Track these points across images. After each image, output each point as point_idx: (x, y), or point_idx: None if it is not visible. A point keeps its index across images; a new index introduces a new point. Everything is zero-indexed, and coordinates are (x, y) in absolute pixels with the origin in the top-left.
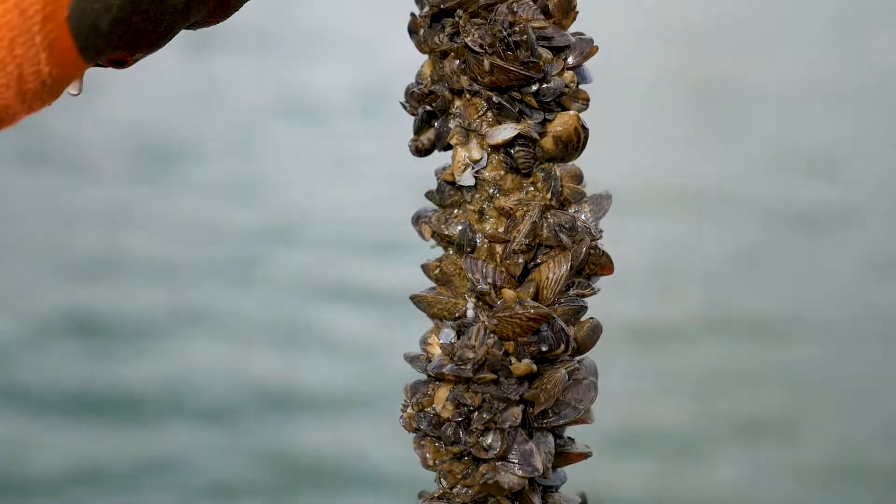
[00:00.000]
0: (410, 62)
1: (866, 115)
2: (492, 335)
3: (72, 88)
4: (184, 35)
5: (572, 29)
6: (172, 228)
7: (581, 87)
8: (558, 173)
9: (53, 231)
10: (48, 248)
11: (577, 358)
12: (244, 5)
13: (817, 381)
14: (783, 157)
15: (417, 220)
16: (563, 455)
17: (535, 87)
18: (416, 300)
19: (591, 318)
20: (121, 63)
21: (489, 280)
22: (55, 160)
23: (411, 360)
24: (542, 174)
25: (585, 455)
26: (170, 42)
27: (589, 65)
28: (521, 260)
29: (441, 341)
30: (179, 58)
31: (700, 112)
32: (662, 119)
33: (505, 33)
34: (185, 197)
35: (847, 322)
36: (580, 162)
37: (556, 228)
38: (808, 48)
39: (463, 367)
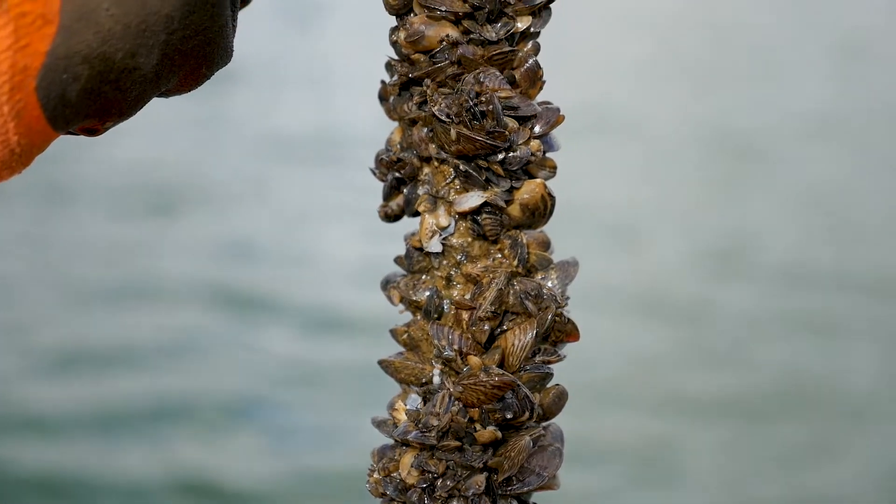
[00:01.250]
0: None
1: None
2: (457, 402)
3: None
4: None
5: (539, 98)
6: (170, 285)
7: (548, 154)
8: (525, 240)
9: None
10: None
11: (544, 424)
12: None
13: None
14: (802, 209)
15: (386, 284)
16: None
17: (501, 156)
18: (384, 365)
19: (557, 384)
20: (92, 131)
21: (455, 346)
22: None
23: (378, 424)
24: (509, 241)
25: None
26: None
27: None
28: (486, 327)
29: (407, 407)
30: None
31: (711, 157)
32: (672, 164)
33: (471, 103)
34: (181, 252)
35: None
36: (548, 228)
37: (522, 296)
38: (816, 81)
39: (427, 434)
